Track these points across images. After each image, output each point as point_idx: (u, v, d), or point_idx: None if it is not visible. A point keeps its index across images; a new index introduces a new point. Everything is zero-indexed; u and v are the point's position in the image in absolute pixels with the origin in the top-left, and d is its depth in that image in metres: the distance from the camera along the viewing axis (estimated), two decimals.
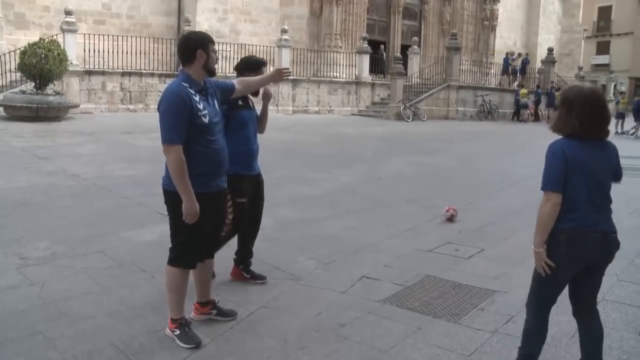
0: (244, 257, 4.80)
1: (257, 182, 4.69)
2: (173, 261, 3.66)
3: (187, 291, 3.77)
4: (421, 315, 4.23)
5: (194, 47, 3.56)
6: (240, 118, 4.44)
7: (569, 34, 43.94)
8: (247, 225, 4.69)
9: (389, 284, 4.86)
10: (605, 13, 55.71)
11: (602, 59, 54.52)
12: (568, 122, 2.95)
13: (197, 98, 3.52)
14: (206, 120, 3.53)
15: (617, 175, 3.09)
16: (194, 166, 3.48)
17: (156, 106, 3.68)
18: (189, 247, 3.63)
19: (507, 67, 32.10)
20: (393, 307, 4.37)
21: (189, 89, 3.50)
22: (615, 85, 41.56)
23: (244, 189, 4.48)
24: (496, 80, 32.08)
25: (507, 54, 33.83)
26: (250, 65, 4.54)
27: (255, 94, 4.62)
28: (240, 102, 4.45)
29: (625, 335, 3.99)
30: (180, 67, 3.66)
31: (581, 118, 2.91)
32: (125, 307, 4.16)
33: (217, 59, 3.76)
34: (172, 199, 3.54)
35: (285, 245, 5.89)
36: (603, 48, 55.61)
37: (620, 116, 24.37)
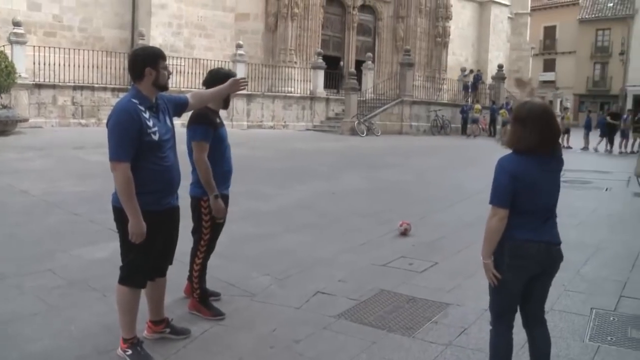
0: None
1: (228, 201, 4.67)
2: (123, 280, 3.60)
3: (140, 309, 3.70)
4: (375, 330, 4.25)
5: (142, 65, 3.51)
6: (220, 136, 4.37)
7: (518, 52, 45.21)
8: (213, 248, 4.63)
9: (344, 299, 4.88)
10: (550, 32, 57.64)
11: (549, 76, 56.31)
12: (523, 138, 3.02)
13: (146, 115, 3.47)
14: (156, 137, 3.49)
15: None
16: (144, 184, 3.43)
17: None
18: (139, 265, 3.57)
19: (466, 83, 32.77)
20: (348, 322, 4.39)
21: (139, 106, 3.45)
22: (561, 101, 42.88)
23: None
24: (449, 95, 32.68)
25: (461, 70, 34.59)
26: (220, 78, 4.30)
27: (226, 105, 4.53)
28: (218, 120, 4.40)
29: (571, 344, 4.10)
30: (132, 83, 3.62)
31: (536, 133, 2.99)
32: (75, 328, 4.06)
33: (170, 74, 3.72)
34: (121, 216, 3.48)
35: (239, 262, 5.85)
36: (549, 65, 57.45)
37: (566, 131, 25.15)
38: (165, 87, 3.63)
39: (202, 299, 4.46)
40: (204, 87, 4.37)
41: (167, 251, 3.80)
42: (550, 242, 3.10)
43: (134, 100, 3.47)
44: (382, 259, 6.14)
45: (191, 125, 4.25)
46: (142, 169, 3.44)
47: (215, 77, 4.38)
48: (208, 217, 4.34)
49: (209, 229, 4.40)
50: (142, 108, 3.47)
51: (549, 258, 3.11)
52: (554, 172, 3.12)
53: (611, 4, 55.26)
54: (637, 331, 4.35)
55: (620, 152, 23.19)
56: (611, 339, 4.20)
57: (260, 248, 6.43)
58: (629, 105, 45.17)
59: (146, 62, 3.52)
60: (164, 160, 3.56)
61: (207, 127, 4.23)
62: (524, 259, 3.06)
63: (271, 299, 4.87)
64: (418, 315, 4.55)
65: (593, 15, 55.19)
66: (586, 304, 4.90)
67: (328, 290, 5.07)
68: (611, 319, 4.60)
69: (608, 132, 23.55)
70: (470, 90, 32.60)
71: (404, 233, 7.23)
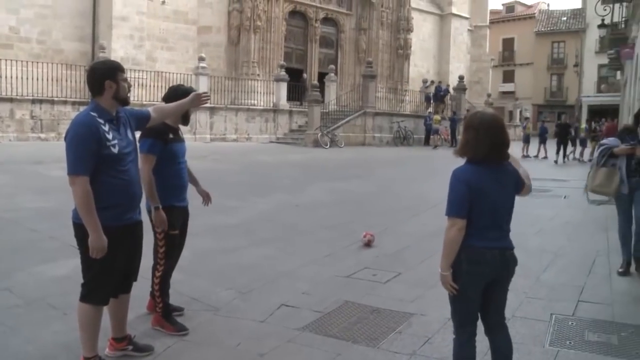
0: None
1: (186, 214, 4.65)
2: (85, 297, 3.54)
3: (102, 326, 3.64)
4: (340, 342, 4.26)
5: (101, 78, 3.49)
6: (172, 151, 4.39)
7: (478, 63, 46.02)
8: (175, 261, 4.60)
9: (308, 311, 4.88)
10: (509, 44, 58.90)
11: (508, 87, 57.46)
12: (476, 148, 3.09)
13: (106, 128, 3.44)
14: (115, 150, 3.46)
15: (518, 188, 3.24)
16: (104, 198, 3.40)
17: None
18: (101, 282, 3.51)
19: (428, 95, 33.19)
20: (312, 335, 4.39)
21: (97, 119, 3.42)
22: (520, 111, 43.82)
23: (176, 221, 4.42)
24: (411, 106, 33.03)
25: (422, 81, 35.05)
26: (179, 94, 4.32)
27: (186, 121, 4.54)
28: (171, 136, 4.39)
29: (532, 349, 4.18)
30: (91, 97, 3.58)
31: (488, 143, 3.06)
32: (33, 348, 3.97)
33: (130, 87, 3.70)
34: (81, 232, 3.43)
35: (202, 276, 5.80)
36: (508, 77, 58.63)
37: (527, 140, 25.72)
38: (126, 101, 3.62)
39: (165, 314, 4.41)
40: (164, 103, 4.37)
41: (130, 267, 3.74)
42: (505, 247, 3.18)
43: (93, 114, 3.44)
44: (346, 270, 6.17)
45: (142, 137, 4.29)
46: (102, 183, 3.41)
47: (175, 93, 4.40)
48: (160, 229, 4.33)
49: (163, 241, 4.38)
50: (101, 121, 3.43)
51: (504, 263, 3.18)
52: (507, 181, 3.18)
53: (564, 18, 56.95)
54: (594, 334, 4.47)
55: (575, 159, 23.79)
56: (570, 343, 4.30)
57: (224, 262, 6.40)
58: (585, 114, 46.63)
59: (105, 75, 3.50)
60: (125, 174, 3.53)
61: (154, 140, 4.26)
62: (480, 265, 3.11)
63: (235, 313, 4.84)
64: (382, 326, 4.58)
65: (548, 29, 56.72)
66: (546, 309, 5.01)
67: (292, 303, 5.07)
68: (570, 323, 4.71)
69: (559, 142, 23.32)
70: (432, 101, 33.01)
71: (368, 244, 7.27)
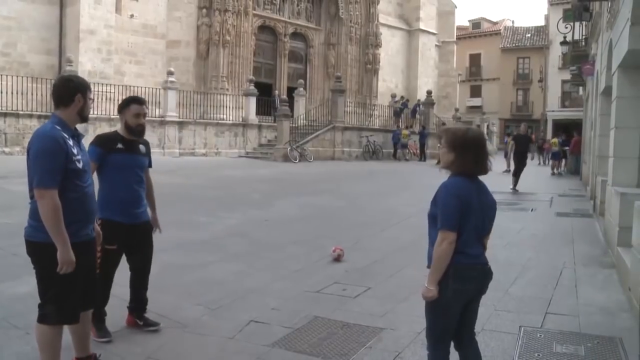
0: (138, 305, 4.67)
1: (140, 231, 4.55)
2: (45, 318, 3.42)
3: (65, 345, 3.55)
4: (310, 357, 4.23)
5: (74, 90, 3.48)
6: (116, 162, 4.36)
7: (446, 78, 46.62)
8: (110, 279, 4.48)
9: (278, 327, 4.84)
10: (475, 60, 59.92)
11: (476, 101, 58.39)
12: (464, 162, 3.13)
13: (71, 142, 3.41)
14: (80, 165, 3.43)
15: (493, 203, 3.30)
16: (64, 214, 3.32)
17: None
18: (67, 300, 3.42)
19: (396, 109, 33.48)
20: (282, 351, 4.35)
21: (63, 133, 3.39)
22: (488, 126, 44.52)
23: (112, 235, 4.30)
24: (380, 121, 33.29)
25: (391, 96, 35.35)
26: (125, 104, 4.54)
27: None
28: (119, 145, 4.35)
29: None
30: (53, 111, 3.53)
31: (476, 158, 3.13)
32: None
33: (91, 107, 3.68)
34: (37, 251, 3.36)
35: (170, 292, 5.71)
36: (476, 91, 59.59)
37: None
38: (86, 119, 3.62)
39: (96, 317, 4.29)
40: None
41: (87, 284, 3.63)
42: (484, 262, 3.22)
43: (58, 127, 3.40)
44: (316, 285, 6.14)
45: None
46: (63, 198, 3.34)
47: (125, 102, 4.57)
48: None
49: (100, 254, 4.27)
50: (66, 135, 3.40)
51: (485, 278, 3.23)
52: (487, 195, 3.24)
53: (529, 35, 58.24)
54: (562, 346, 4.51)
55: (553, 174, 24.18)
56: (538, 355, 4.34)
57: (192, 277, 6.31)
58: (550, 129, 47.59)
59: (79, 89, 3.50)
60: (85, 189, 3.50)
61: (94, 147, 4.33)
62: (468, 282, 3.14)
63: (204, 329, 4.78)
64: (352, 341, 4.55)
65: (514, 45, 57.91)
66: (515, 322, 5.05)
67: (262, 319, 5.02)
68: (538, 335, 4.75)
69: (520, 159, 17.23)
70: (400, 116, 33.31)
71: (337, 259, 7.25)
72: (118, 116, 4.58)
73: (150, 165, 4.75)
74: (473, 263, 3.13)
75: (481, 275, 3.20)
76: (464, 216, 3.07)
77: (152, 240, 4.73)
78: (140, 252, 4.62)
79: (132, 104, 4.52)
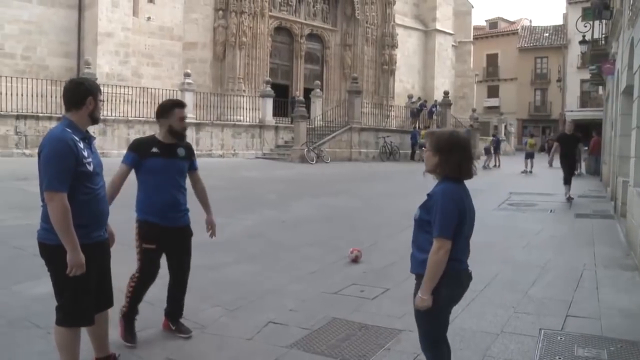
0: (173, 310, 4.69)
1: (175, 235, 4.55)
2: (63, 321, 3.45)
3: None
4: (328, 359, 4.21)
5: (85, 93, 3.49)
6: (151, 166, 4.36)
7: (463, 78, 46.44)
8: (151, 277, 4.51)
9: (296, 328, 4.83)
10: (492, 60, 59.60)
11: (493, 102, 58.03)
12: (448, 165, 3.11)
13: (81, 145, 3.42)
14: (90, 168, 3.44)
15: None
16: (75, 216, 3.33)
17: None
18: (81, 302, 3.43)
19: (413, 110, 33.35)
20: (300, 352, 4.33)
21: (74, 136, 3.40)
22: (505, 126, 44.26)
23: (150, 234, 4.37)
24: (397, 122, 33.19)
25: (408, 97, 35.25)
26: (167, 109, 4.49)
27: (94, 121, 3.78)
28: (154, 150, 4.37)
29: None
30: (64, 113, 3.55)
31: (460, 160, 3.11)
32: None
33: (101, 109, 3.69)
34: (50, 253, 3.39)
35: (189, 293, 5.67)
36: (493, 92, 59.24)
37: (530, 156, 24.76)
38: (97, 121, 3.62)
39: (127, 319, 4.38)
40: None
41: (102, 285, 3.66)
42: (467, 267, 3.22)
43: (68, 130, 3.41)
44: (334, 286, 6.12)
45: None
46: (74, 200, 3.36)
47: (162, 108, 4.51)
48: (138, 242, 4.41)
49: (139, 255, 4.41)
50: (77, 138, 3.41)
51: (469, 282, 3.25)
52: (470, 199, 3.22)
53: (547, 34, 57.73)
54: (583, 349, 4.44)
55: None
56: (559, 358, 4.27)
57: (210, 279, 6.32)
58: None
59: (90, 91, 3.51)
60: (96, 191, 3.51)
61: (129, 152, 4.40)
62: (459, 288, 3.19)
63: (222, 330, 4.78)
64: (371, 343, 4.53)
65: (531, 44, 57.48)
66: (535, 324, 4.99)
67: (280, 320, 5.02)
68: (559, 338, 4.69)
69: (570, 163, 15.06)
70: (418, 116, 33.17)
71: (355, 260, 7.23)
72: (157, 121, 4.53)
73: (195, 168, 4.77)
74: (465, 269, 3.16)
75: (468, 280, 3.22)
76: (460, 223, 3.04)
77: (190, 247, 4.71)
78: (176, 257, 4.61)
79: (175, 108, 4.47)
